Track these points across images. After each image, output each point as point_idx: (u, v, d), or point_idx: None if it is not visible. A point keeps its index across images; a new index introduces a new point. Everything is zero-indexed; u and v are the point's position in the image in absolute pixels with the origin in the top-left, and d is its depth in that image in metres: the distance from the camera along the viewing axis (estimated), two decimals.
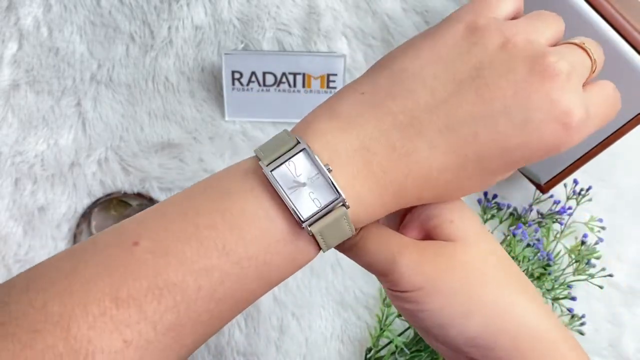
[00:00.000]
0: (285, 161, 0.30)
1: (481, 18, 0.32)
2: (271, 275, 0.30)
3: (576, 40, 0.33)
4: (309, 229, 0.30)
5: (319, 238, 0.30)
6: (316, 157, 0.30)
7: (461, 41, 0.32)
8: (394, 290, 0.32)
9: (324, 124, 0.31)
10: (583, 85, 0.32)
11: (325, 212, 0.30)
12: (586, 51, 0.33)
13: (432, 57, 0.32)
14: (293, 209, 0.29)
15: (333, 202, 0.30)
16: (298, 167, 0.30)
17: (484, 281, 0.32)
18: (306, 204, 0.29)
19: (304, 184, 0.30)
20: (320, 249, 0.31)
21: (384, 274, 0.32)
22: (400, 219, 0.35)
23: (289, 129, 0.32)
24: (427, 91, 0.31)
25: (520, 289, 0.32)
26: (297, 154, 0.30)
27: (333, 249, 0.33)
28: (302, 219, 0.29)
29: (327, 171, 0.29)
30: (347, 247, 0.33)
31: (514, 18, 0.34)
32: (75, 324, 0.27)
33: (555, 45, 0.33)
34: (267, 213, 0.30)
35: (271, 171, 0.29)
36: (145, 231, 0.29)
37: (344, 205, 0.30)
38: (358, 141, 0.30)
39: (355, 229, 0.32)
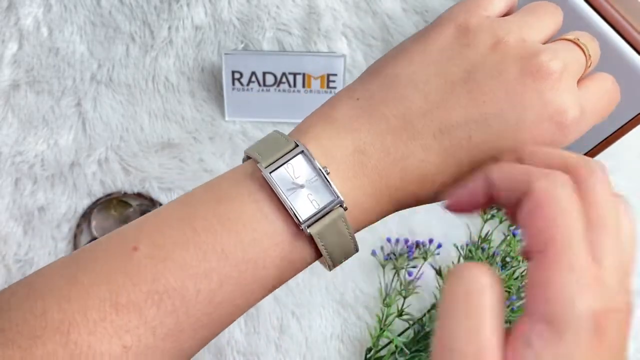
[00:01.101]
0: (284, 163, 0.30)
1: (473, 17, 0.31)
2: (270, 278, 0.30)
3: (570, 36, 0.32)
4: (308, 230, 0.30)
5: (317, 240, 0.30)
6: (314, 159, 0.30)
7: (452, 43, 0.31)
8: None
9: (320, 128, 0.31)
10: (580, 80, 0.32)
11: (323, 213, 0.30)
12: (580, 47, 0.32)
13: (424, 61, 0.31)
14: (292, 209, 0.29)
15: (331, 203, 0.30)
16: (297, 169, 0.30)
17: None
18: (305, 206, 0.29)
19: (302, 186, 0.30)
20: (319, 254, 0.31)
21: None
22: None
23: (289, 129, 0.32)
24: (419, 96, 0.31)
25: None
26: (295, 156, 0.30)
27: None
28: (300, 220, 0.29)
29: (325, 173, 0.29)
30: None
31: (507, 14, 0.33)
32: (76, 330, 0.27)
33: (551, 38, 0.32)
34: (265, 215, 0.29)
35: (270, 173, 0.29)
36: (144, 236, 0.29)
37: (341, 206, 0.30)
38: (353, 145, 0.30)
39: (354, 232, 0.31)
